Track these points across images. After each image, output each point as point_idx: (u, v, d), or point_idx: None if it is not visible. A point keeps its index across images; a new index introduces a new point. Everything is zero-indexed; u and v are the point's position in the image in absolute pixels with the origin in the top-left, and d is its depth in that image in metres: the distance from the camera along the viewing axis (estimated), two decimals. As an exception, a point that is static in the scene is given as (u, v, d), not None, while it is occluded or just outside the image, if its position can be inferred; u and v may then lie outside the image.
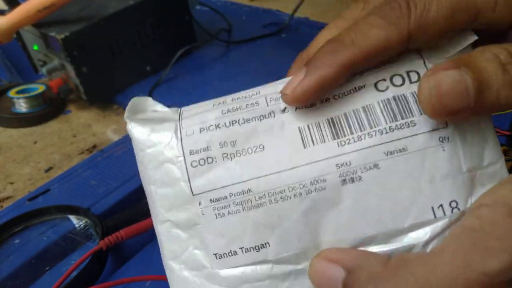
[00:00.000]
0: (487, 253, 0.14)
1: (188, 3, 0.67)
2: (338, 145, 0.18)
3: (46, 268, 0.36)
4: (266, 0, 0.91)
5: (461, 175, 0.17)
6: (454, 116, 0.16)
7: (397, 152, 0.18)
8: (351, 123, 0.18)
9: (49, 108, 0.61)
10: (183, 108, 0.21)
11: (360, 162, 0.18)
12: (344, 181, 0.18)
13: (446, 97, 0.15)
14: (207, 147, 0.19)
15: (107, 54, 0.59)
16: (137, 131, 0.21)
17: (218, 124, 0.20)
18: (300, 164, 0.18)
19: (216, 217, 0.19)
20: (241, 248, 0.19)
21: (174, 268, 0.20)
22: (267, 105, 0.20)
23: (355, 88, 0.19)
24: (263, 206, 0.18)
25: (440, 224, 0.17)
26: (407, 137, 0.18)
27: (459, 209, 0.17)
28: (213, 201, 0.19)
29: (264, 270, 0.19)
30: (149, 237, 0.38)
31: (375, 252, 0.18)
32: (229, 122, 0.20)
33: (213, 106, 0.21)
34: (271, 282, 0.19)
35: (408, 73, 0.18)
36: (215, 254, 0.19)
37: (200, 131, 0.20)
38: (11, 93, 0.59)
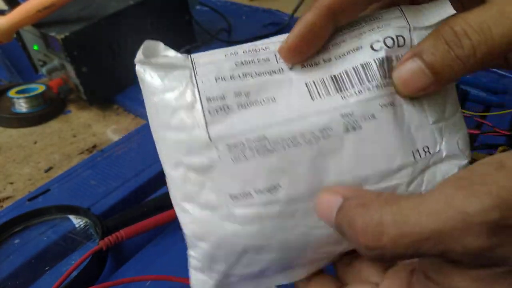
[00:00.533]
0: (471, 195, 0.15)
1: (188, 3, 0.67)
2: (342, 98, 0.21)
3: (46, 268, 0.36)
4: (266, 0, 0.91)
5: (429, 126, 0.21)
6: (424, 91, 0.20)
7: (389, 105, 0.21)
8: (351, 79, 0.21)
9: (49, 108, 0.61)
10: (194, 56, 0.22)
11: (361, 112, 0.20)
12: (347, 130, 0.20)
13: (409, 82, 0.20)
14: (223, 96, 0.20)
15: (107, 54, 0.59)
16: (150, 76, 0.21)
17: (233, 75, 0.21)
18: (310, 113, 0.20)
19: (233, 161, 0.20)
20: (255, 190, 0.20)
21: (188, 209, 0.21)
22: (277, 62, 0.22)
23: (354, 48, 0.21)
24: (277, 151, 0.20)
25: (419, 166, 0.21)
26: (395, 92, 0.21)
27: (430, 153, 0.21)
28: (230, 146, 0.20)
29: (275, 208, 0.20)
30: (149, 237, 0.38)
31: (370, 189, 0.20)
32: (243, 74, 0.21)
33: (225, 56, 0.22)
34: (280, 219, 0.20)
35: (397, 37, 0.21)
36: (230, 195, 0.20)
37: (216, 80, 0.21)
38: (11, 93, 0.59)
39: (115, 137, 0.55)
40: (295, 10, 0.75)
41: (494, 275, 0.15)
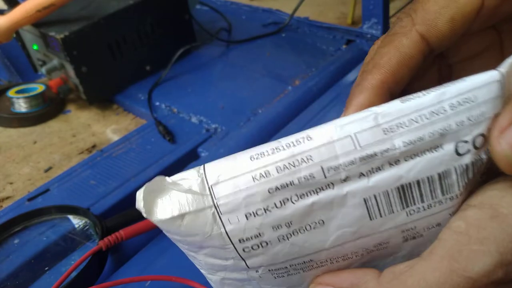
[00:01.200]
0: (471, 257, 0.14)
1: (188, 3, 0.67)
2: (407, 215, 0.17)
3: (46, 268, 0.36)
4: (266, -1, 0.91)
5: None
6: None
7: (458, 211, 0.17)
8: (423, 191, 0.16)
9: (48, 108, 0.61)
10: (211, 181, 0.17)
11: (426, 225, 0.17)
12: (405, 240, 0.17)
13: None
14: (258, 233, 0.17)
15: (107, 54, 0.59)
16: (165, 226, 0.17)
17: (267, 207, 0.17)
18: (365, 235, 0.17)
19: (275, 278, 0.19)
20: None
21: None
22: (325, 177, 0.16)
23: (432, 147, 0.16)
24: (325, 266, 0.18)
25: None
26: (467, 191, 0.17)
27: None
28: (272, 270, 0.18)
29: None
30: (149, 237, 0.38)
31: (365, 269, 0.18)
32: (280, 203, 0.16)
33: (254, 180, 0.17)
34: None
35: (475, 137, 0.16)
36: None
37: (247, 218, 0.17)
38: (11, 93, 0.59)
39: (115, 137, 0.55)
40: (295, 10, 0.75)
41: None
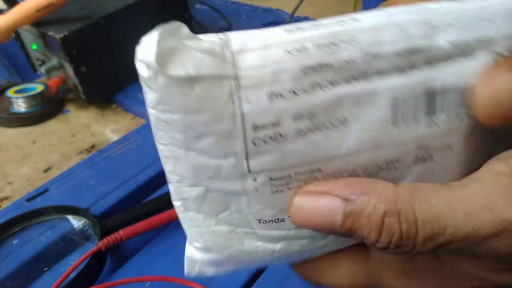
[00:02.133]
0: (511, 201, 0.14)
1: (188, 2, 0.67)
2: (428, 125, 0.16)
3: (45, 269, 0.36)
4: (266, -1, 0.90)
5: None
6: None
7: (470, 135, 0.16)
8: (448, 99, 0.15)
9: (47, 108, 0.61)
10: (236, 47, 0.15)
11: (440, 143, 0.16)
12: (416, 161, 0.16)
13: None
14: (277, 121, 0.15)
15: (106, 54, 0.59)
16: (167, 87, 0.15)
17: (296, 89, 0.14)
18: (384, 145, 0.16)
19: (272, 193, 0.16)
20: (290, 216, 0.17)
21: (201, 222, 0.18)
22: (364, 64, 0.15)
23: (465, 52, 0.15)
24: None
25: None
26: None
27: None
28: (273, 179, 0.16)
29: (305, 231, 0.18)
30: (149, 238, 0.38)
31: (374, 179, 0.16)
32: (311, 86, 0.15)
33: (288, 53, 0.15)
34: (310, 240, 0.18)
35: None
36: (259, 220, 0.17)
37: (269, 99, 0.14)
38: (10, 92, 0.59)
39: (114, 137, 0.55)
40: (295, 9, 0.75)
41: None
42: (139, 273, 0.34)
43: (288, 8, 0.79)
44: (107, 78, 0.61)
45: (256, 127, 0.15)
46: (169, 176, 0.18)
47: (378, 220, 0.15)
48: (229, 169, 0.16)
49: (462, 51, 0.15)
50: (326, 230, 0.16)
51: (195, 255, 0.20)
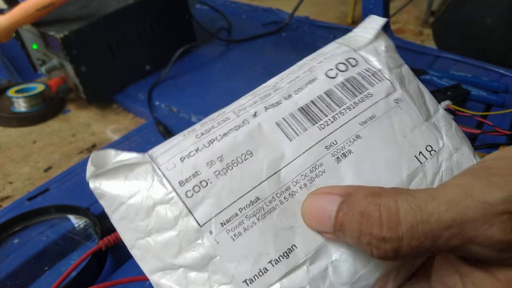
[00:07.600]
0: (490, 185, 0.14)
1: (188, 2, 0.67)
2: (319, 129, 0.20)
3: (45, 268, 0.36)
4: (266, -1, 0.91)
5: (423, 124, 0.20)
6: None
7: (369, 120, 0.20)
8: (321, 108, 0.20)
9: (48, 108, 0.61)
10: (150, 151, 0.20)
11: (344, 137, 0.20)
12: (338, 159, 0.19)
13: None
14: (196, 172, 0.18)
15: (107, 53, 0.59)
16: (108, 186, 0.19)
17: (197, 148, 0.19)
18: (294, 157, 0.19)
19: (233, 240, 0.17)
20: (270, 262, 0.17)
21: None
22: (237, 116, 0.20)
23: (309, 80, 0.21)
24: (276, 209, 0.18)
25: (429, 168, 0.20)
26: (370, 106, 0.20)
27: (435, 151, 0.20)
28: (224, 224, 0.17)
29: (301, 275, 0.17)
30: (149, 237, 0.38)
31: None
32: (208, 142, 0.19)
33: (184, 136, 0.20)
34: (312, 284, 0.17)
35: (347, 60, 0.22)
36: (245, 281, 0.17)
37: (182, 161, 0.18)
38: (10, 92, 0.59)
39: (115, 137, 0.55)
40: (295, 9, 0.75)
41: None
42: (139, 272, 0.34)
43: (288, 8, 0.79)
44: (107, 78, 0.61)
45: (181, 183, 0.18)
46: (152, 277, 0.19)
47: (360, 211, 0.16)
48: (185, 233, 0.18)
49: (303, 81, 0.22)
50: (325, 227, 0.17)
51: None
